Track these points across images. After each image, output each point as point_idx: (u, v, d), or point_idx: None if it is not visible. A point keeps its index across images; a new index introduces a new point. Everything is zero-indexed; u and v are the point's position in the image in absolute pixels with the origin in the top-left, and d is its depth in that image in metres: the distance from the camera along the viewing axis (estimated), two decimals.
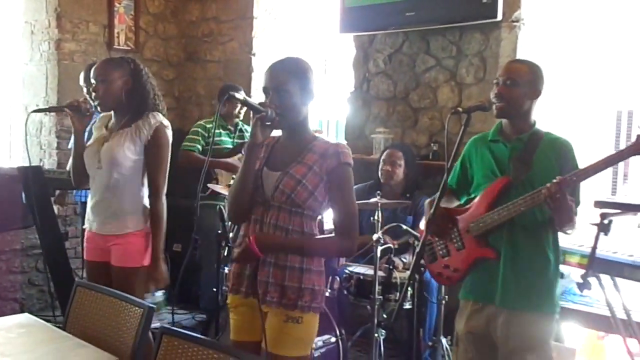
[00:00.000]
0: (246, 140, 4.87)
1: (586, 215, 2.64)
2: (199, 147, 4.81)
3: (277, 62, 2.33)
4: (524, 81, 2.57)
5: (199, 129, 4.85)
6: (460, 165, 2.84)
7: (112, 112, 3.06)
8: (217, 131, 4.87)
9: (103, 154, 2.95)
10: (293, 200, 2.24)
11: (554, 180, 2.35)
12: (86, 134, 3.29)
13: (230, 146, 4.89)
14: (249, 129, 5.00)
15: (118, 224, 2.96)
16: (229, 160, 4.75)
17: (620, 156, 2.37)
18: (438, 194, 2.53)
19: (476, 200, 2.69)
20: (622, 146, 4.05)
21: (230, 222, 3.71)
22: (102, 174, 2.97)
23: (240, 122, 5.02)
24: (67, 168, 3.76)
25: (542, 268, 2.59)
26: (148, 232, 2.99)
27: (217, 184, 4.68)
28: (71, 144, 4.66)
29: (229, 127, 4.93)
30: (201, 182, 2.41)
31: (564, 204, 2.35)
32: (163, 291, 2.76)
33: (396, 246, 3.74)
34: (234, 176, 4.27)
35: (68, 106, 3.06)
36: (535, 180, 2.45)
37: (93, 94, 2.97)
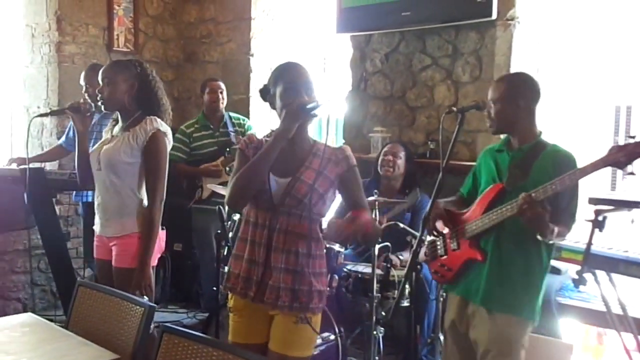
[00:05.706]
0: (229, 137, 4.88)
1: (581, 211, 2.66)
2: (182, 155, 4.82)
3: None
4: (501, 98, 2.63)
5: (180, 135, 4.83)
6: (472, 176, 2.92)
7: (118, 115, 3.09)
8: (197, 134, 4.88)
9: (102, 157, 2.99)
10: (305, 205, 2.26)
11: (521, 196, 2.41)
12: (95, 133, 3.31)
13: (212, 148, 4.85)
14: (237, 115, 4.99)
15: (116, 226, 2.99)
16: (208, 166, 4.76)
17: (594, 167, 2.37)
18: (434, 193, 2.60)
19: (474, 204, 2.76)
20: (621, 142, 4.06)
21: (228, 209, 3.70)
22: (101, 175, 3.01)
23: (226, 114, 4.97)
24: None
25: (526, 273, 2.63)
26: None
27: (202, 192, 4.70)
28: (62, 140, 4.72)
29: (211, 125, 4.90)
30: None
31: (533, 217, 2.40)
32: (147, 298, 2.75)
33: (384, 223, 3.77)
34: (218, 185, 4.26)
35: (69, 108, 3.10)
36: (530, 189, 2.46)
37: (99, 94, 3.01)
